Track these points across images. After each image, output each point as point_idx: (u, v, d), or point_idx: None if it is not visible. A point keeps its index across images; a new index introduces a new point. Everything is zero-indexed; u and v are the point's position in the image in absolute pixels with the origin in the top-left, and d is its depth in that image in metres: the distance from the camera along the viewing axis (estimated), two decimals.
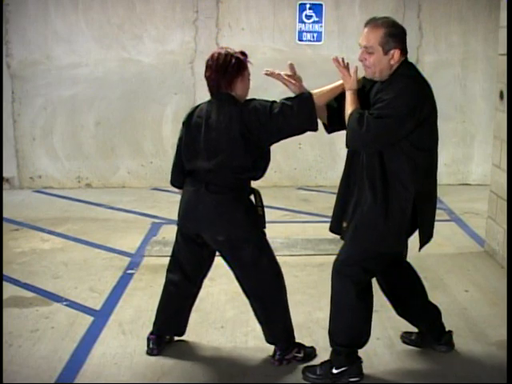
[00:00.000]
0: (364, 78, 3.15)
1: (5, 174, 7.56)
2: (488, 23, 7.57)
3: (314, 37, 7.64)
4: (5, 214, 6.14)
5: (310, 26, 7.61)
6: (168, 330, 3.55)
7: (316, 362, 3.37)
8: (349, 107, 3.02)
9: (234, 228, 3.18)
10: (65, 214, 6.51)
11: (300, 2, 7.57)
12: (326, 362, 3.25)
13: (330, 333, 3.24)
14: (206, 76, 3.19)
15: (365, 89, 3.15)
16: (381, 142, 2.93)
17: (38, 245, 5.45)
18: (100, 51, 7.51)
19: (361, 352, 3.36)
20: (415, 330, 3.58)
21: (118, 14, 7.46)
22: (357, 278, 3.13)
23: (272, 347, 3.41)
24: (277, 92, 7.62)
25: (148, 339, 3.49)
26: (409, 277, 3.44)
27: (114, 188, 7.68)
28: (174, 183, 3.42)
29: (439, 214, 6.11)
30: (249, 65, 3.25)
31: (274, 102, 3.20)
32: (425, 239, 3.17)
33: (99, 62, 7.53)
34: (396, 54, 2.95)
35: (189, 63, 7.59)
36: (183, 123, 3.27)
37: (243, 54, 3.22)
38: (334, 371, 3.18)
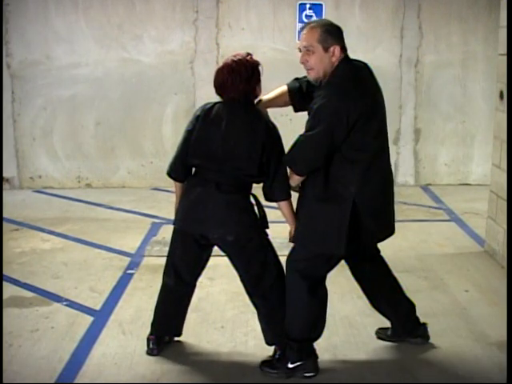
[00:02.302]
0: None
1: (5, 174, 7.56)
2: (488, 23, 7.57)
3: None
4: (5, 214, 6.14)
5: None
6: (167, 331, 3.56)
7: (317, 362, 3.37)
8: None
9: (243, 228, 3.20)
10: (65, 214, 6.51)
11: (300, 1, 7.57)
12: (280, 358, 3.27)
13: (284, 328, 3.25)
14: (223, 85, 3.16)
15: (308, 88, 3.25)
16: (320, 154, 2.98)
17: (38, 245, 5.45)
18: (100, 51, 7.51)
19: (361, 352, 3.37)
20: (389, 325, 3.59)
21: (118, 13, 7.46)
22: (306, 273, 3.15)
23: (272, 347, 3.41)
24: None
25: (148, 339, 3.49)
26: (379, 271, 3.48)
27: (113, 188, 7.68)
28: (171, 174, 3.31)
29: (439, 214, 6.15)
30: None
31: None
32: (375, 237, 3.19)
33: (99, 62, 7.53)
34: (336, 50, 3.00)
35: (189, 63, 7.59)
36: (197, 116, 3.20)
37: (251, 56, 3.27)
38: (290, 366, 3.21)
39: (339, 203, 3.01)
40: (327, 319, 3.84)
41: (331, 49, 2.98)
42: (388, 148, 3.18)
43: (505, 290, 4.33)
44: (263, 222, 3.32)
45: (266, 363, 3.30)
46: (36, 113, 7.59)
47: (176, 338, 3.60)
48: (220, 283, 4.44)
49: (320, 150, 2.97)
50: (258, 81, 3.21)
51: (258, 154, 3.09)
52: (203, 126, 3.16)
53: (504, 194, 4.83)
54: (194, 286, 3.51)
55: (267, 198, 3.24)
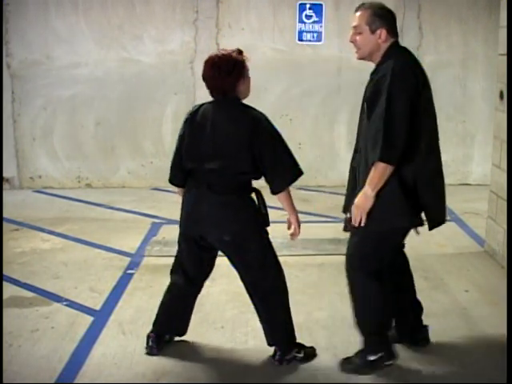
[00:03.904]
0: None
1: (5, 174, 7.56)
2: (488, 23, 7.57)
3: (314, 37, 7.64)
4: (5, 214, 6.14)
5: (310, 25, 7.61)
6: (168, 330, 3.55)
7: (317, 362, 3.38)
8: (376, 184, 3.01)
9: (239, 228, 3.19)
10: (65, 214, 6.51)
11: (300, 1, 7.57)
12: (361, 351, 3.30)
13: (358, 324, 3.30)
14: (206, 79, 3.15)
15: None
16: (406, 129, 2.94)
17: (38, 245, 5.45)
18: (100, 51, 7.51)
19: None
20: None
21: (118, 14, 7.46)
22: (370, 269, 3.16)
23: (272, 347, 3.41)
24: (277, 92, 7.67)
25: (148, 337, 3.49)
26: (400, 268, 3.47)
27: (113, 188, 7.68)
28: (172, 181, 3.38)
29: None
30: (248, 62, 3.20)
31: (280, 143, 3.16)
32: (434, 221, 3.17)
33: (99, 62, 7.53)
34: (383, 33, 3.05)
35: (189, 63, 7.59)
36: (185, 121, 3.24)
37: (240, 52, 3.18)
38: (371, 358, 3.25)
39: (394, 182, 3.02)
40: (327, 319, 3.85)
41: (378, 31, 3.05)
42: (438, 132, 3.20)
43: (505, 290, 4.33)
44: (264, 221, 3.31)
45: (345, 360, 3.32)
46: (36, 113, 7.59)
47: (177, 338, 3.60)
48: (220, 283, 4.44)
49: (408, 119, 2.93)
50: (240, 77, 3.12)
51: (246, 150, 3.07)
52: (191, 129, 3.20)
53: (504, 194, 4.83)
54: (200, 287, 3.50)
55: (271, 192, 3.25)
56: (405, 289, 3.51)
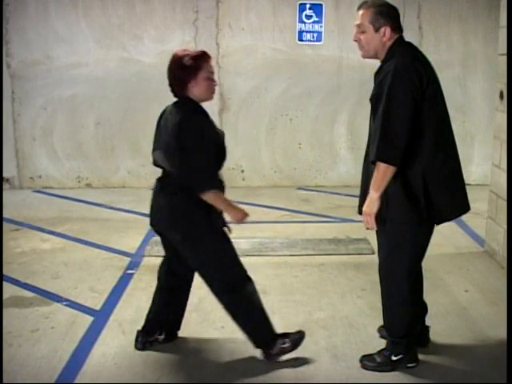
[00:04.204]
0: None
1: (5, 174, 7.56)
2: (488, 23, 7.57)
3: (314, 37, 7.64)
4: (5, 214, 6.14)
5: (310, 25, 7.61)
6: (156, 324, 3.55)
7: (317, 362, 3.37)
8: (379, 186, 2.98)
9: (188, 227, 3.17)
10: (65, 214, 6.51)
11: (300, 1, 7.57)
12: (383, 349, 3.32)
13: (387, 327, 3.32)
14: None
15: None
16: (410, 125, 2.92)
17: (38, 245, 5.45)
18: (100, 51, 7.52)
19: (361, 352, 3.37)
20: None
21: (118, 14, 7.46)
22: (407, 269, 3.16)
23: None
24: (277, 92, 7.67)
25: (137, 332, 3.54)
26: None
27: (114, 188, 7.68)
28: None
29: None
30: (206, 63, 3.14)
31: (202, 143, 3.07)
32: (442, 217, 3.14)
33: (99, 62, 7.53)
34: (387, 31, 3.05)
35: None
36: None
37: (199, 55, 3.13)
38: (394, 358, 3.27)
39: (406, 181, 3.01)
40: (327, 319, 3.85)
41: (382, 29, 3.06)
42: (450, 124, 3.16)
43: (505, 290, 4.33)
44: (216, 221, 3.22)
45: (366, 357, 3.34)
46: (36, 113, 7.59)
47: (178, 336, 3.61)
48: None
49: (409, 119, 2.91)
50: (188, 79, 3.10)
51: (175, 151, 3.07)
52: (156, 129, 3.33)
53: (504, 194, 4.83)
54: (186, 281, 3.49)
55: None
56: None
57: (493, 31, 7.14)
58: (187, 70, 3.10)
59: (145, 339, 3.51)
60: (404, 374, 3.27)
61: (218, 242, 3.24)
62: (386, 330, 3.35)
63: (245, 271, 3.32)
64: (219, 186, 3.19)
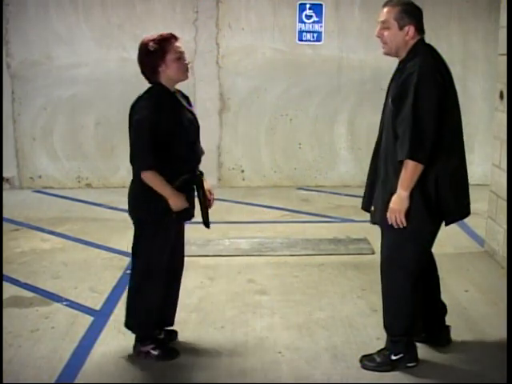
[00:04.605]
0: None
1: (5, 174, 7.56)
2: (488, 23, 7.57)
3: (314, 37, 7.64)
4: (5, 214, 6.14)
5: (310, 25, 7.61)
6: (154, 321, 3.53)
7: (317, 362, 3.37)
8: (408, 184, 3.01)
9: (133, 211, 3.38)
10: (65, 214, 6.51)
11: (300, 1, 7.57)
12: (383, 349, 3.32)
13: (386, 326, 3.31)
14: None
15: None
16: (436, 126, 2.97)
17: (38, 245, 5.45)
18: (100, 51, 7.52)
19: (361, 352, 3.37)
20: None
21: (117, 14, 7.46)
22: (410, 269, 3.17)
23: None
24: (277, 92, 7.67)
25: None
26: (429, 269, 3.50)
27: (114, 188, 7.68)
28: None
29: None
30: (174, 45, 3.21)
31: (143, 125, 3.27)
32: (452, 218, 3.20)
33: (99, 62, 7.53)
34: (411, 30, 3.06)
35: (189, 63, 7.58)
36: None
37: (163, 38, 3.20)
38: (393, 357, 3.27)
39: (421, 182, 3.04)
40: (327, 319, 3.85)
41: (406, 28, 3.07)
42: (462, 130, 3.24)
43: (505, 290, 4.33)
44: (161, 209, 3.26)
45: (366, 357, 3.34)
46: (36, 113, 7.59)
47: (178, 336, 3.61)
48: (220, 283, 4.44)
49: (436, 119, 2.95)
50: (157, 62, 3.19)
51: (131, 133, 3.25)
52: None
53: (504, 194, 4.83)
54: (172, 274, 3.48)
55: None
56: (432, 289, 3.53)
57: (493, 31, 7.14)
58: (154, 55, 3.16)
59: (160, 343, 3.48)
60: (404, 373, 3.27)
61: (152, 231, 3.32)
62: (385, 329, 3.34)
63: (169, 265, 3.36)
64: (176, 172, 3.26)
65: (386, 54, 3.18)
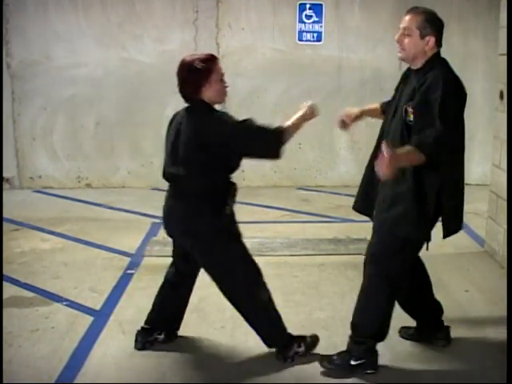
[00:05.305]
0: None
1: (5, 174, 7.56)
2: (488, 23, 7.57)
3: (314, 37, 7.64)
4: (5, 214, 6.13)
5: (310, 25, 7.61)
6: (157, 323, 3.55)
7: (317, 362, 3.37)
8: (413, 158, 2.98)
9: (199, 234, 3.18)
10: (65, 214, 6.51)
11: (300, 1, 7.57)
12: (343, 352, 3.28)
13: (355, 324, 3.26)
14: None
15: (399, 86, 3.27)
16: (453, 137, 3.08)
17: (38, 245, 5.45)
18: (100, 51, 7.52)
19: None
20: (413, 324, 3.61)
21: (117, 13, 7.46)
22: (389, 272, 3.16)
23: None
24: (277, 92, 7.67)
25: (136, 332, 3.53)
26: (418, 270, 3.48)
27: (114, 188, 7.68)
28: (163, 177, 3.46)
29: None
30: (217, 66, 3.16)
31: (247, 119, 3.15)
32: (449, 229, 3.20)
33: (99, 62, 7.53)
34: (431, 41, 3.08)
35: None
36: (168, 125, 3.34)
37: (208, 58, 3.14)
38: (352, 362, 3.22)
39: (426, 189, 3.05)
40: (327, 319, 3.85)
41: (427, 38, 3.08)
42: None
43: (505, 290, 4.33)
44: (227, 223, 3.23)
45: (325, 358, 3.30)
46: (36, 113, 7.59)
47: (178, 336, 3.62)
48: None
49: (456, 133, 3.04)
50: (199, 82, 3.10)
51: (199, 158, 3.09)
52: (167, 134, 3.31)
53: (504, 194, 4.83)
54: (190, 283, 3.52)
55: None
56: (425, 289, 3.52)
57: (493, 31, 7.13)
58: (200, 73, 3.09)
59: (145, 339, 3.52)
60: (404, 374, 3.28)
61: (229, 245, 3.24)
62: (352, 327, 3.28)
63: (256, 270, 3.34)
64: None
65: (402, 59, 3.18)
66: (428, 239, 3.18)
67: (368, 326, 3.23)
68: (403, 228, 3.07)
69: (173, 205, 3.25)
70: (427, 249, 3.25)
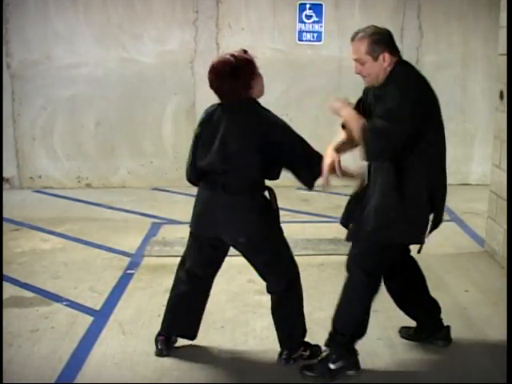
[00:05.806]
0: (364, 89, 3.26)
1: (5, 174, 7.56)
2: (488, 23, 7.56)
3: (314, 37, 7.64)
4: (5, 214, 6.13)
5: (310, 25, 7.61)
6: (175, 330, 3.52)
7: None
8: (355, 123, 3.12)
9: (253, 228, 3.17)
10: (65, 214, 6.51)
11: (300, 1, 7.57)
12: (322, 359, 3.26)
13: (335, 321, 3.26)
14: (211, 86, 3.14)
15: (362, 99, 3.33)
16: (398, 146, 3.01)
17: (38, 245, 5.45)
18: (100, 51, 7.51)
19: (362, 352, 3.36)
20: (413, 325, 3.61)
21: (117, 13, 7.46)
22: (373, 272, 3.17)
23: (275, 346, 3.41)
24: (277, 92, 7.66)
25: (156, 340, 3.47)
26: (411, 270, 3.48)
27: (114, 188, 7.68)
28: (191, 180, 3.33)
29: None
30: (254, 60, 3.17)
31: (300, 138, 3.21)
32: (434, 226, 3.20)
33: (99, 61, 7.53)
34: (386, 56, 3.05)
35: (189, 63, 7.59)
36: (202, 121, 3.23)
37: (246, 52, 3.16)
38: (332, 367, 3.20)
39: (412, 195, 3.07)
40: (327, 319, 3.84)
41: (381, 57, 3.05)
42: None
43: (505, 290, 4.33)
44: (276, 219, 3.28)
45: (305, 367, 3.27)
46: (36, 113, 7.59)
47: (187, 342, 3.58)
48: (220, 283, 4.42)
49: (401, 139, 3.00)
50: (248, 78, 3.10)
51: (255, 154, 3.07)
52: (207, 130, 3.18)
53: (504, 194, 4.83)
54: (208, 287, 3.50)
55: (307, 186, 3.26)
56: (421, 288, 3.52)
57: (493, 31, 7.13)
58: (250, 69, 3.10)
59: (166, 346, 3.47)
60: (404, 374, 3.27)
61: (279, 239, 3.30)
62: (332, 322, 3.27)
63: (298, 269, 3.38)
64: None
65: (369, 85, 3.19)
66: (419, 242, 3.18)
67: (347, 324, 3.23)
68: (387, 234, 3.08)
69: (220, 201, 3.15)
70: (419, 252, 3.26)
